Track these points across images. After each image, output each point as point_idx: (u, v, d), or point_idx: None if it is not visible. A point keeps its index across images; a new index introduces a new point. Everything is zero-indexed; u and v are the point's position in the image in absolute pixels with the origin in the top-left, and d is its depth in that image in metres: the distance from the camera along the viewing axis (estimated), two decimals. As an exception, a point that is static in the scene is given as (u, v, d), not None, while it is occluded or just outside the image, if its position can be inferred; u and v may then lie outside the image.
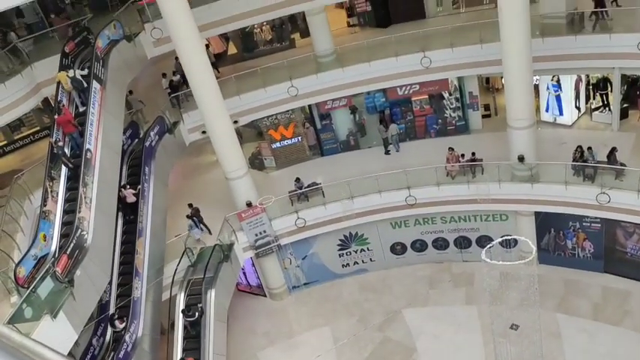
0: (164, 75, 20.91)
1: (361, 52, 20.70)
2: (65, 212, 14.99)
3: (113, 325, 15.76)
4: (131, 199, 17.10)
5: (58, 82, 16.50)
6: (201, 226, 19.19)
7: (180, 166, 22.32)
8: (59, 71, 16.57)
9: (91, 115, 16.07)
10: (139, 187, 17.25)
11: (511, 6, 15.69)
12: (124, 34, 18.68)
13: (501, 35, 16.40)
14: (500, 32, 16.37)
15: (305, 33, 23.72)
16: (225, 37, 24.48)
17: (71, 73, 16.43)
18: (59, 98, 16.30)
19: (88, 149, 15.67)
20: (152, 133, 18.68)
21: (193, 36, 16.75)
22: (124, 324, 15.68)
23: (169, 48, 18.22)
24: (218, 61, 23.10)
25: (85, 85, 16.41)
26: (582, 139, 18.77)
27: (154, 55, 19.76)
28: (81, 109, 16.57)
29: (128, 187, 17.13)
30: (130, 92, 20.14)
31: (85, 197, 15.07)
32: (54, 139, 15.60)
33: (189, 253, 18.11)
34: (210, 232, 19.30)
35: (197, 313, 16.46)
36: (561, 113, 20.71)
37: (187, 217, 18.88)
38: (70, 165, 15.55)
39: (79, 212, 14.49)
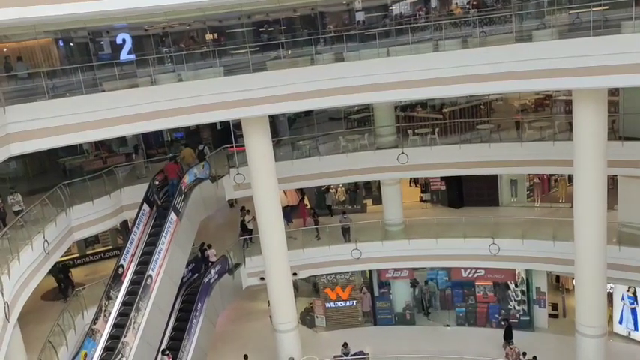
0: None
1: (429, 228, 20.89)
2: (111, 337, 14.98)
3: None
4: None
5: (182, 157, 20.03)
6: None
7: (231, 309, 22.22)
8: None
9: (162, 243, 16.73)
10: (180, 354, 16.40)
11: (587, 209, 15.62)
12: (209, 174, 20.03)
13: (575, 235, 16.14)
14: (575, 232, 16.13)
15: (377, 201, 24.39)
16: (300, 191, 25.57)
17: (200, 147, 20.57)
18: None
19: (150, 275, 16.06)
20: (213, 271, 19.01)
21: (272, 187, 17.74)
22: None
23: (247, 193, 19.20)
24: (291, 213, 23.88)
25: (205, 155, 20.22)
26: (659, 360, 17.26)
27: (232, 198, 20.86)
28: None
29: (167, 352, 16.15)
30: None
31: (134, 322, 15.15)
32: (155, 181, 18.04)
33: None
34: None
35: None
36: (636, 328, 19.32)
37: None
38: (158, 204, 17.70)
39: (125, 337, 14.46)
